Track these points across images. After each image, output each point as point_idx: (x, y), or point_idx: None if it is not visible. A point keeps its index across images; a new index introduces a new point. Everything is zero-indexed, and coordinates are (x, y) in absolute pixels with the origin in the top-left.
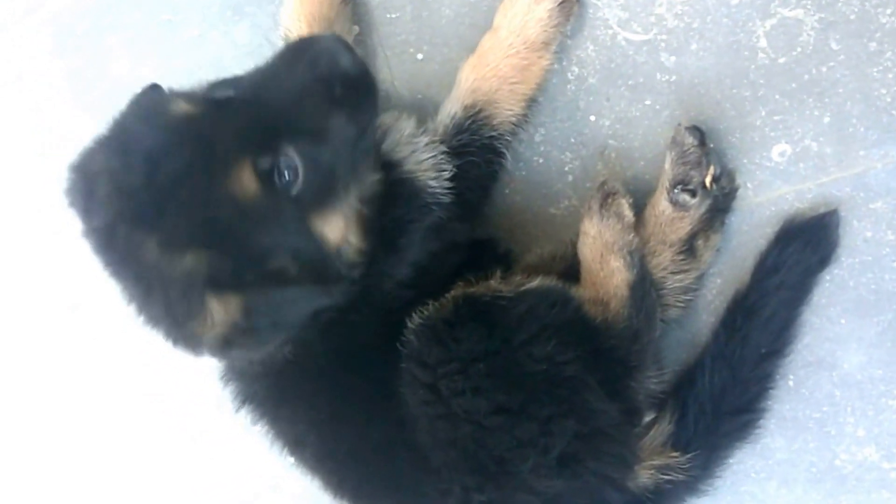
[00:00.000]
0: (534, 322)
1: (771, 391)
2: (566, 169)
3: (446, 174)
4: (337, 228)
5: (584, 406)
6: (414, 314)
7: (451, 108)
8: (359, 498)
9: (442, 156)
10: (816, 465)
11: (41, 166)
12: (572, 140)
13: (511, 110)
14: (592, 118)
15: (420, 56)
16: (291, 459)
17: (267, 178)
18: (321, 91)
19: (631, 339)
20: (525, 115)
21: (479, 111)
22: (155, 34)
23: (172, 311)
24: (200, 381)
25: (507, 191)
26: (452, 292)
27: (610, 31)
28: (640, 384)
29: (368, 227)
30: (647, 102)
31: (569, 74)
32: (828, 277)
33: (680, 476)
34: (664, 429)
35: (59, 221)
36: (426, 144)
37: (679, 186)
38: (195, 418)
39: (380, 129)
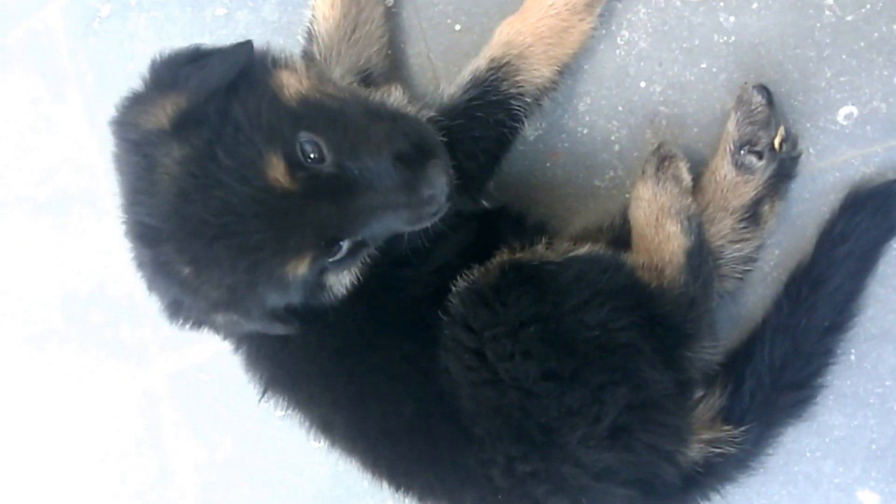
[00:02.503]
0: (585, 288)
1: (832, 366)
2: (612, 139)
3: None
4: (344, 279)
5: (637, 374)
6: (459, 279)
7: (474, 64)
8: (395, 475)
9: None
10: (877, 441)
11: (63, 147)
12: (620, 108)
13: (539, 71)
14: (643, 84)
15: (458, 27)
16: (324, 442)
17: (319, 262)
18: (405, 214)
19: (687, 307)
20: (554, 83)
21: (505, 64)
22: (182, 13)
23: (189, 315)
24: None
25: (547, 164)
26: (497, 258)
27: None
28: (696, 354)
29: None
30: (703, 66)
31: (618, 39)
32: (894, 245)
33: (731, 450)
34: (715, 403)
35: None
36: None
37: (745, 148)
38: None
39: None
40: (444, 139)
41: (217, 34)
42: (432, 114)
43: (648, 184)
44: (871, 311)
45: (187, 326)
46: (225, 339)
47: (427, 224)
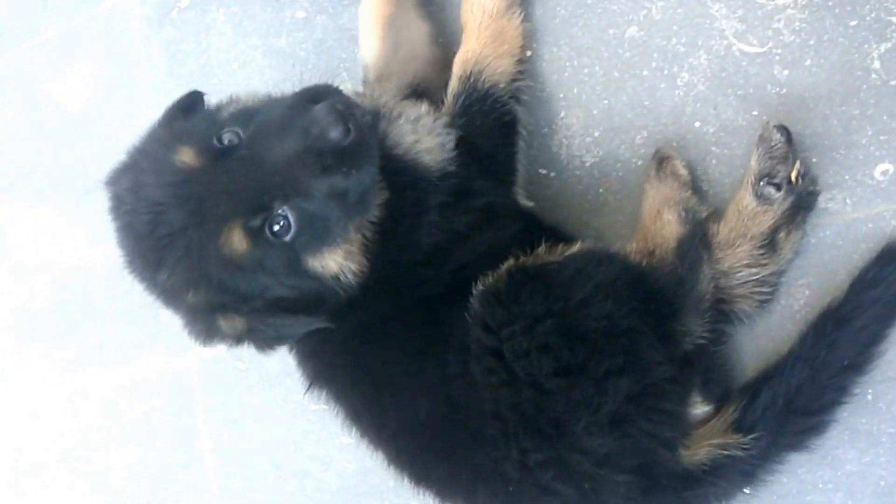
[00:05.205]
0: (586, 282)
1: (843, 404)
2: None
3: (449, 147)
4: (334, 262)
5: (639, 357)
6: (477, 283)
7: (450, 89)
8: (414, 469)
9: (445, 130)
10: (886, 479)
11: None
12: (674, 144)
13: (499, 65)
14: (697, 124)
15: (528, 53)
16: (354, 438)
17: (258, 233)
18: (311, 160)
19: (675, 283)
20: (519, 72)
21: (471, 73)
22: (262, 11)
23: (193, 327)
24: None
25: (600, 190)
26: (504, 265)
27: (725, 42)
28: (686, 328)
29: (370, 249)
30: (755, 113)
31: (678, 80)
32: None
33: (738, 453)
34: (728, 416)
35: None
36: (431, 125)
37: (765, 180)
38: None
39: (386, 118)
40: (462, 145)
41: (294, 36)
42: (448, 120)
43: (652, 181)
44: (890, 355)
45: (201, 341)
46: (236, 345)
47: (351, 172)
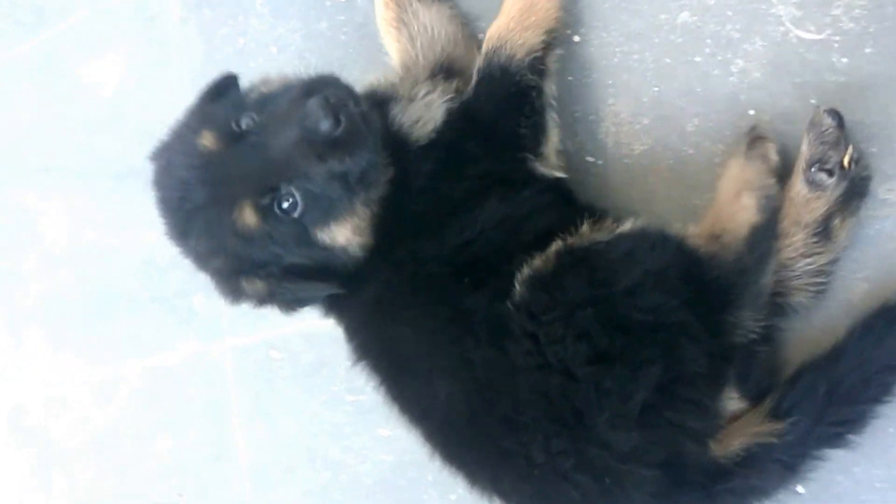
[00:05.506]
0: (635, 267)
1: (885, 403)
2: (716, 161)
3: (439, 118)
4: (342, 235)
5: (678, 351)
6: (524, 266)
7: (476, 64)
8: (445, 452)
9: (445, 104)
10: None
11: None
12: (727, 132)
13: (522, 39)
14: (752, 112)
15: (577, 38)
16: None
17: (268, 210)
18: (307, 148)
19: (736, 274)
20: (545, 43)
21: (494, 48)
22: None
23: (221, 287)
24: None
25: (649, 179)
26: (553, 246)
27: (782, 28)
28: (738, 321)
29: (377, 222)
30: (812, 101)
31: (732, 67)
32: None
33: (772, 440)
34: (765, 406)
35: None
36: (435, 101)
37: (816, 165)
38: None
39: (400, 102)
40: (460, 112)
41: (335, 20)
42: (449, 100)
43: (739, 159)
44: None
45: (229, 300)
46: (261, 306)
47: (345, 159)
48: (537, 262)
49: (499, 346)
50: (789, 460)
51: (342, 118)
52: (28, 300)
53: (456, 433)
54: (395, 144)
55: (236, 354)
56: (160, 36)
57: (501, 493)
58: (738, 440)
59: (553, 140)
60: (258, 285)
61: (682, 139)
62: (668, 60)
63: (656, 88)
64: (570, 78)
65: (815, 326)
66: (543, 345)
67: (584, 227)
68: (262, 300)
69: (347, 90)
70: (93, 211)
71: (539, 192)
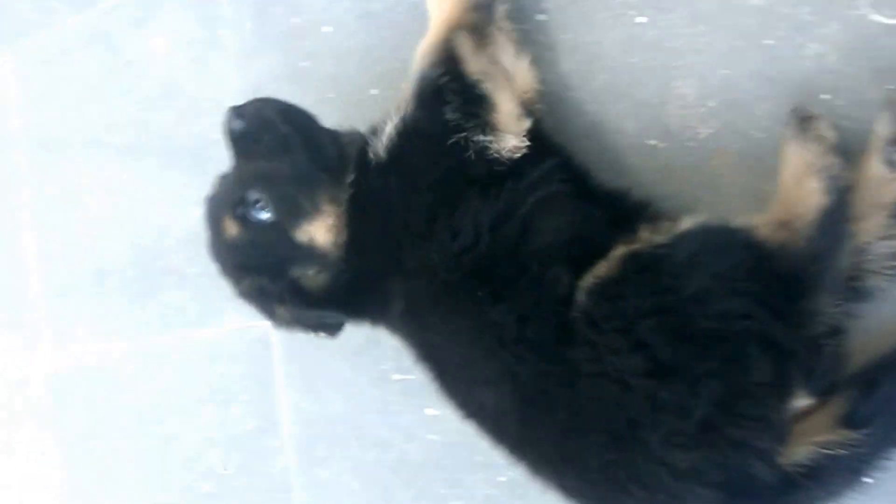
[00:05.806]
0: (701, 271)
1: None
2: None
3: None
4: (317, 233)
5: (741, 363)
6: (587, 275)
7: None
8: (516, 443)
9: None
10: None
11: (211, 91)
12: None
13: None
14: (826, 97)
15: (643, 20)
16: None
17: (244, 218)
18: (241, 152)
19: (811, 259)
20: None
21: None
22: None
23: (261, 313)
24: None
25: (713, 163)
26: (616, 251)
27: (858, 12)
28: (816, 307)
29: (350, 222)
30: (889, 87)
31: (805, 50)
32: None
33: (842, 451)
34: (836, 410)
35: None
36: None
37: (894, 145)
38: None
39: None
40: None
41: (386, 2)
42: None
43: (792, 144)
44: None
45: (275, 326)
46: (292, 329)
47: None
48: (602, 268)
49: (552, 355)
50: (860, 467)
51: (244, 113)
52: (74, 275)
53: (511, 435)
54: (360, 156)
55: (283, 332)
56: (211, 13)
57: (566, 490)
58: (803, 448)
59: (504, 107)
60: (283, 312)
61: (751, 123)
62: (737, 43)
63: (725, 71)
64: (633, 60)
65: (886, 316)
66: (602, 354)
67: (644, 232)
68: (292, 325)
69: (266, 100)
70: (141, 186)
71: (533, 185)
